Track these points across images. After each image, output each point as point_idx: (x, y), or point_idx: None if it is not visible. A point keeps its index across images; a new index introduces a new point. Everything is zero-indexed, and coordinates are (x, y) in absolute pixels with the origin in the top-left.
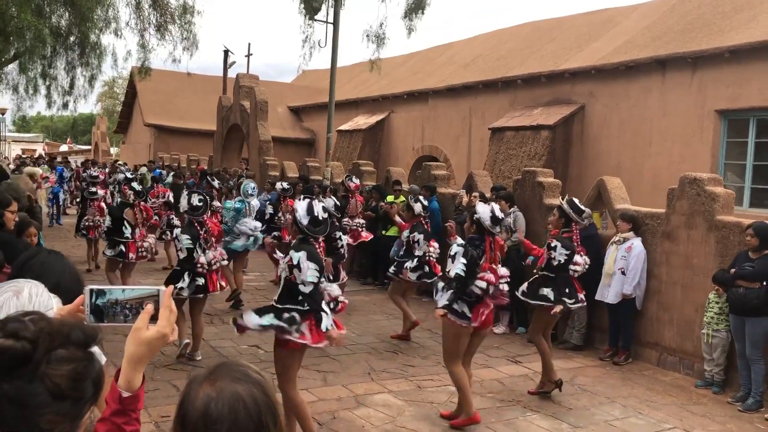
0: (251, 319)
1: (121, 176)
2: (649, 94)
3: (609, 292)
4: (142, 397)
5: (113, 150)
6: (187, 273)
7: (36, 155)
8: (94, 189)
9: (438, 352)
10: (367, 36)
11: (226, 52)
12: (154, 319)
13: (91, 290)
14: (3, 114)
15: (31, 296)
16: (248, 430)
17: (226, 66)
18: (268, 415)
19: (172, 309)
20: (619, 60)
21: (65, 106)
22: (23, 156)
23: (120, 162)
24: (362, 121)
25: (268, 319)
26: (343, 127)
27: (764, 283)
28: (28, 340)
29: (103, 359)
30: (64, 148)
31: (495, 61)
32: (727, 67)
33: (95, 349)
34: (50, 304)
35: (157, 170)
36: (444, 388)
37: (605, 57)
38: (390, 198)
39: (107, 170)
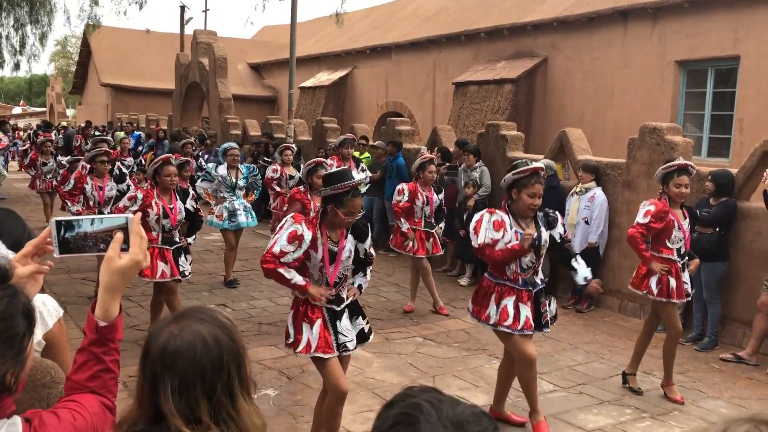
0: None
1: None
2: (611, 45)
3: (573, 242)
4: (121, 327)
5: (69, 112)
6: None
7: None
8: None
9: (404, 303)
10: None
11: (183, 8)
12: (126, 249)
13: (58, 222)
14: None
15: None
16: (205, 368)
17: (182, 22)
18: (230, 358)
19: (142, 235)
20: (581, 11)
21: (17, 66)
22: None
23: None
24: (325, 77)
25: None
26: (305, 84)
27: (716, 229)
28: None
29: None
30: (17, 110)
31: (458, 14)
32: (687, 17)
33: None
34: (7, 257)
35: (136, 133)
36: (411, 340)
37: (567, 9)
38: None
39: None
